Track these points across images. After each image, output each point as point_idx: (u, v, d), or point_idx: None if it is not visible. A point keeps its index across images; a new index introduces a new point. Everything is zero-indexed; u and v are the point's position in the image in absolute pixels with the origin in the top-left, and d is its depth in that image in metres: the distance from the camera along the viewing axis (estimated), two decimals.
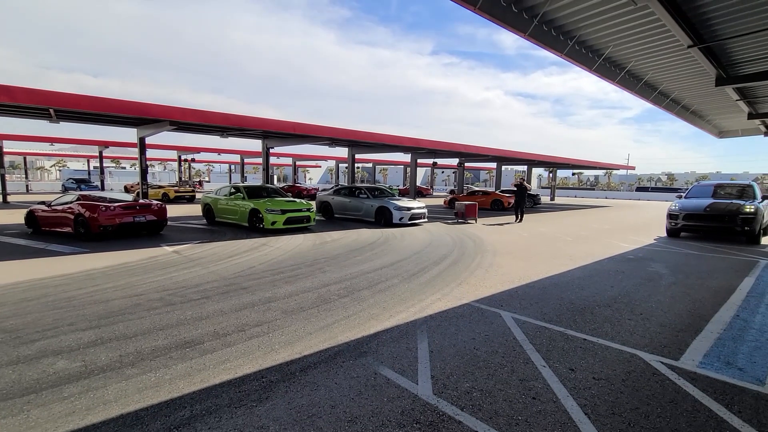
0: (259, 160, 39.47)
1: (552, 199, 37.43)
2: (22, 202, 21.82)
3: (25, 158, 37.90)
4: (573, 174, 63.28)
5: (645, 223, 15.93)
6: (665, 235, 11.52)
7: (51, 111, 11.32)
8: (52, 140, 23.64)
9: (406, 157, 31.56)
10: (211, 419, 2.39)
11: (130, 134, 20.12)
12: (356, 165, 28.22)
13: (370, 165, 51.51)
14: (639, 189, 50.35)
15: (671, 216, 10.98)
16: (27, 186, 34.44)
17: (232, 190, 12.80)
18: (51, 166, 66.77)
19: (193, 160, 37.40)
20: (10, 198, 22.23)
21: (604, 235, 11.61)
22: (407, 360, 3.22)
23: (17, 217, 13.62)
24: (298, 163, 43.49)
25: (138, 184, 28.10)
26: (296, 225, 11.33)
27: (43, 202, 10.62)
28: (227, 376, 2.93)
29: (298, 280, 5.74)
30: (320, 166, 73.51)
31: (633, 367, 3.18)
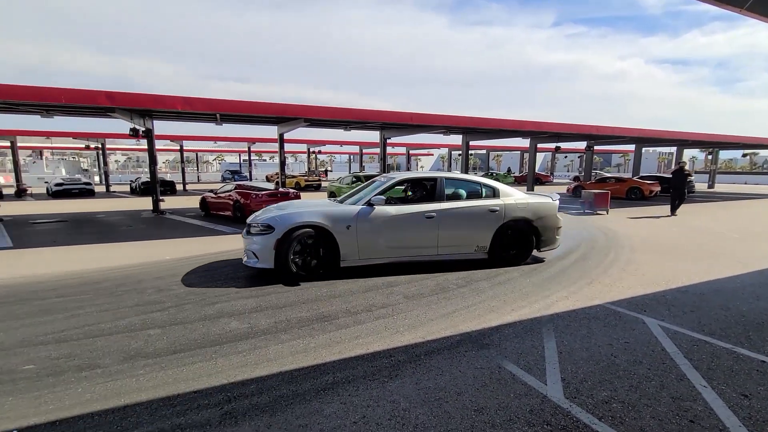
0: (376, 150, 41.54)
1: (711, 186, 30.73)
2: (196, 189, 27.13)
3: (197, 154, 47.00)
4: (744, 155, 50.76)
5: None
6: None
7: (217, 115, 13.77)
8: (215, 139, 28.93)
9: (524, 142, 29.52)
10: (351, 388, 2.70)
11: (270, 131, 23.00)
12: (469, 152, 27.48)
13: (484, 152, 49.57)
14: None
15: None
16: (198, 177, 42.70)
17: (353, 179, 13.83)
18: (213, 160, 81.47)
19: (319, 152, 41.28)
20: (188, 186, 27.90)
21: None
22: (533, 358, 3.11)
23: (194, 202, 17.04)
24: (411, 152, 44.39)
25: (277, 174, 32.26)
26: None
27: (212, 191, 13.08)
28: (360, 350, 3.26)
29: (416, 266, 5.95)
30: (432, 154, 73.68)
31: None
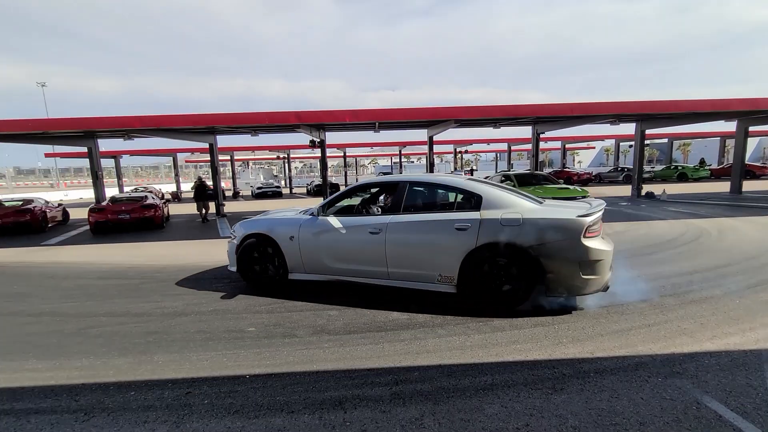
0: (524, 147, 38.85)
1: None
2: None
3: (356, 159, 52.87)
4: None
5: None
6: None
7: (376, 124, 15.23)
8: (371, 145, 31.95)
9: (726, 126, 23.25)
10: (511, 392, 2.67)
11: (418, 134, 24.01)
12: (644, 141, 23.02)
13: (665, 140, 40.82)
14: None
15: None
16: (357, 179, 47.88)
17: (502, 178, 13.28)
18: (368, 164, 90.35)
19: (466, 152, 41.06)
20: None
21: None
22: (750, 400, 2.49)
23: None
24: (567, 146, 39.97)
25: None
26: None
27: None
28: (518, 356, 3.17)
29: None
30: (593, 147, 64.69)
31: None
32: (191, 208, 16.69)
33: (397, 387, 2.79)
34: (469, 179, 4.76)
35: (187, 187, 35.88)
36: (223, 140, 17.59)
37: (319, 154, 15.51)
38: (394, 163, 50.89)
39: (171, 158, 31.92)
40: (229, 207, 19.02)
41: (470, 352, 3.27)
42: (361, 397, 2.67)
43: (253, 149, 31.71)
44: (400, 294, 4.68)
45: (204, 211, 13.50)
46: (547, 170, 34.56)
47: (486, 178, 15.98)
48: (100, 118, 12.65)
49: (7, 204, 12.19)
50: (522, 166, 50.05)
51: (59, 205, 14.38)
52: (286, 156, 32.60)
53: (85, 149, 15.57)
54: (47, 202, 13.44)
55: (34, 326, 4.28)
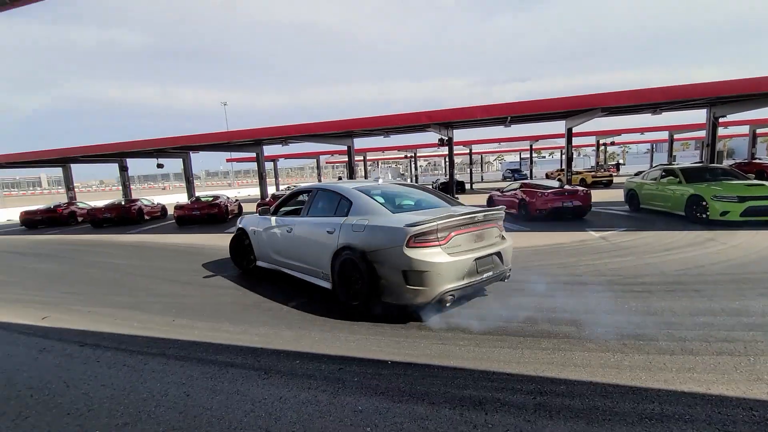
0: (691, 135, 31.64)
1: None
2: (481, 188, 29.65)
3: (482, 156, 51.41)
4: None
5: None
6: None
7: (508, 118, 14.55)
8: (498, 140, 30.62)
9: None
10: (687, 427, 2.26)
11: (552, 127, 21.96)
12: None
13: None
14: None
15: None
16: (482, 176, 46.61)
17: (663, 173, 11.19)
18: (493, 160, 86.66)
19: (612, 143, 35.98)
20: (474, 186, 30.93)
21: None
22: None
23: (480, 199, 18.71)
24: (758, 130, 31.20)
25: (558, 171, 30.58)
26: (762, 218, 8.32)
27: (498, 189, 13.94)
28: (696, 387, 2.66)
29: None
30: None
31: None
32: None
33: (541, 398, 2.64)
34: (360, 187, 4.97)
35: None
36: (357, 142, 19.13)
37: (445, 152, 15.56)
38: (523, 158, 47.53)
39: (315, 160, 36.19)
40: None
41: (629, 374, 2.87)
42: (502, 402, 2.61)
43: (383, 149, 33.69)
44: None
45: None
46: (727, 162, 27.68)
47: (639, 174, 13.70)
48: (265, 128, 15.15)
49: (203, 199, 15.61)
50: (688, 158, 41.31)
51: (236, 200, 17.74)
52: (413, 155, 33.69)
53: (254, 154, 18.82)
54: (228, 198, 16.72)
55: (223, 297, 5.39)
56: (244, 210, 18.54)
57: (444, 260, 3.80)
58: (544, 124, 20.21)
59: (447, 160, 15.44)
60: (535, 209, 10.95)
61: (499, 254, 4.34)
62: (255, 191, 41.32)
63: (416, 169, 34.90)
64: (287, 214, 6.02)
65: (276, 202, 6.53)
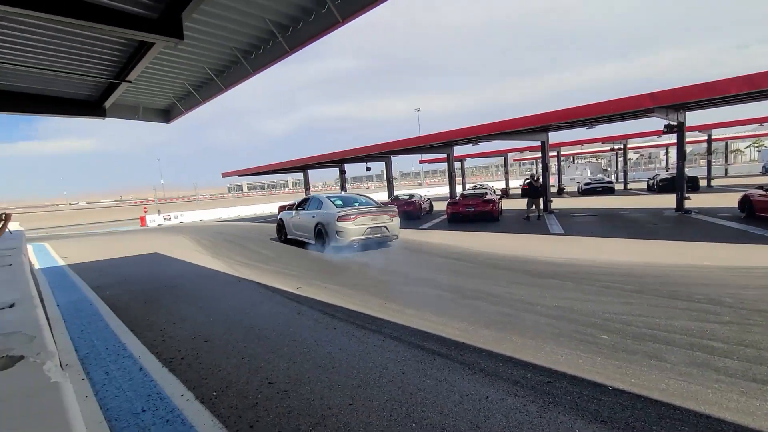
0: None
1: None
2: (723, 185, 22.64)
3: (726, 143, 38.76)
4: None
5: None
6: None
7: None
8: (760, 120, 22.38)
9: None
10: None
11: None
12: None
13: None
14: None
15: None
16: (726, 170, 35.33)
17: None
18: (745, 148, 63.93)
19: None
20: (712, 182, 23.78)
21: None
22: None
23: (724, 200, 14.27)
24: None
25: None
26: None
27: (761, 187, 10.30)
28: None
29: None
30: None
31: None
32: (519, 204, 17.71)
33: None
34: (329, 196, 10.23)
35: (513, 184, 38.42)
36: (552, 136, 17.49)
37: (672, 141, 12.42)
38: None
39: (501, 158, 34.97)
40: (556, 203, 18.73)
41: None
42: None
43: (581, 143, 29.60)
44: None
45: (533, 206, 13.91)
46: None
47: None
48: (457, 130, 15.60)
49: (400, 197, 17.38)
50: None
51: (428, 199, 19.01)
52: (621, 147, 28.31)
53: (444, 155, 19.70)
54: (421, 196, 18.08)
55: (421, 288, 5.85)
56: (435, 208, 19.64)
57: (352, 227, 8.81)
58: None
59: (676, 151, 12.30)
60: None
61: (385, 227, 9.22)
62: (441, 189, 43.23)
63: (625, 163, 29.03)
64: (298, 210, 10.94)
65: (298, 202, 11.71)
